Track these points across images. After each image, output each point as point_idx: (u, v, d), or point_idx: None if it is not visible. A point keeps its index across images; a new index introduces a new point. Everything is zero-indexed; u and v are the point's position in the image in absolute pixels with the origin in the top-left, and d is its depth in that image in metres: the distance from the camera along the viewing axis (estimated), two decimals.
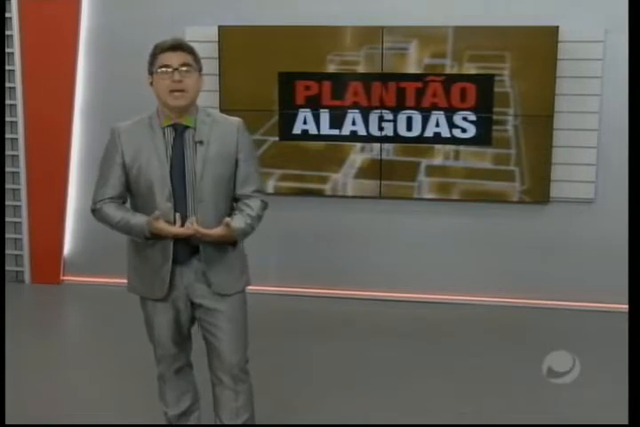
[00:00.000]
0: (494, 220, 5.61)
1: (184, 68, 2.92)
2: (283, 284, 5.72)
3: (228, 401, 3.14)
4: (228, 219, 2.94)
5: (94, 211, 3.07)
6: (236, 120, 3.11)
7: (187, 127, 3.00)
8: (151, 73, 2.98)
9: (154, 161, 2.97)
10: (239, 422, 3.16)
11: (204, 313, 3.08)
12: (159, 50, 2.94)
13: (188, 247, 2.99)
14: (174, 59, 2.92)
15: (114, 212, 3.02)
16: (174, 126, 3.00)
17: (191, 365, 3.28)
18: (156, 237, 2.94)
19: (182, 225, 2.91)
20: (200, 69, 3.01)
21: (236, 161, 3.05)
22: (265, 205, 3.13)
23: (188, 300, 3.08)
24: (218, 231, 2.93)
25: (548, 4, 5.30)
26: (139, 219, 2.96)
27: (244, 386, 3.16)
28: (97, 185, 3.09)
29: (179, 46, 2.94)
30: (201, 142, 2.98)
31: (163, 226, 2.90)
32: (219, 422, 3.19)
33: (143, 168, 2.98)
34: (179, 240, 2.96)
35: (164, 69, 2.92)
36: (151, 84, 3.00)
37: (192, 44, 3.02)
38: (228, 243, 3.02)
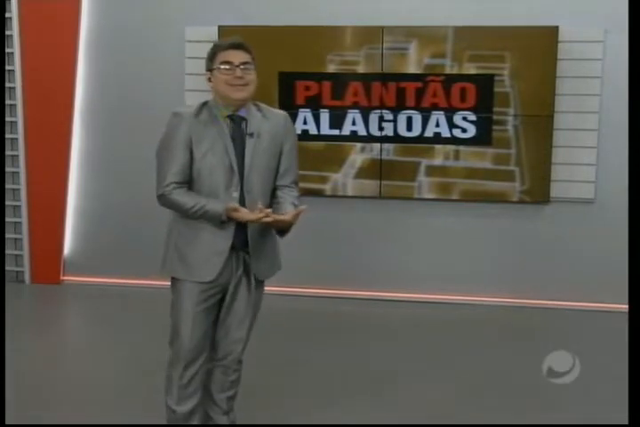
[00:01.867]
0: (494, 220, 5.61)
1: (245, 66, 3.04)
2: (283, 284, 5.70)
3: (220, 377, 3.26)
4: (302, 207, 3.06)
5: (161, 196, 3.09)
6: (282, 113, 3.24)
7: (243, 119, 3.10)
8: (210, 69, 3.09)
9: (220, 150, 3.06)
10: (229, 394, 3.30)
11: (230, 298, 3.16)
12: (220, 48, 3.08)
13: (242, 235, 3.09)
14: (236, 56, 3.05)
15: (185, 198, 3.06)
16: (231, 117, 3.10)
17: (205, 364, 3.27)
18: (230, 220, 3.05)
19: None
20: (256, 68, 3.11)
21: (281, 153, 3.17)
22: (299, 193, 3.25)
23: (225, 286, 3.15)
24: (291, 216, 3.02)
25: (548, 4, 5.30)
26: (214, 205, 3.03)
27: (236, 373, 3.30)
28: (162, 169, 3.09)
29: (239, 45, 3.07)
30: (251, 135, 3.09)
31: (240, 214, 3.00)
32: (207, 395, 3.28)
33: (208, 156, 3.05)
34: (238, 228, 3.07)
35: (225, 66, 3.03)
36: (209, 79, 3.11)
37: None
38: (284, 230, 3.12)
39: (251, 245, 3.12)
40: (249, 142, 3.08)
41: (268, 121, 3.14)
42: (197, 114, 3.08)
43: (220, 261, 3.09)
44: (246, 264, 3.15)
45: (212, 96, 3.14)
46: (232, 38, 3.13)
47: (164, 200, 3.10)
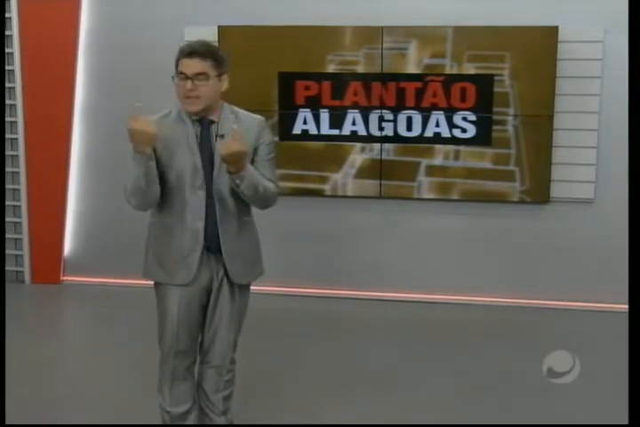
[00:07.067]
0: (494, 220, 5.61)
1: (198, 77, 2.98)
2: (283, 284, 5.72)
3: (214, 377, 3.25)
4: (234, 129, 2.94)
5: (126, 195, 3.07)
6: (258, 118, 3.18)
7: (212, 122, 3.09)
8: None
9: (185, 150, 3.05)
10: (224, 394, 3.27)
11: (214, 300, 3.16)
12: (180, 55, 3.02)
13: (216, 236, 3.07)
14: (190, 67, 2.98)
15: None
16: (200, 120, 3.08)
17: (195, 363, 3.28)
18: (146, 157, 2.93)
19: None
20: (221, 73, 3.03)
21: (253, 156, 3.12)
22: (275, 190, 3.13)
23: (208, 289, 3.15)
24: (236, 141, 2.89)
25: (548, 4, 5.30)
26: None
27: (230, 373, 3.29)
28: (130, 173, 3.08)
29: (195, 53, 2.99)
30: (222, 136, 3.05)
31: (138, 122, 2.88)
32: (203, 396, 3.27)
33: (174, 156, 3.05)
34: (208, 228, 3.06)
35: (181, 76, 3.01)
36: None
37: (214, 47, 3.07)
38: (236, 169, 2.95)
39: (223, 245, 3.10)
40: (218, 144, 3.04)
41: (240, 124, 3.07)
42: (164, 118, 3.09)
43: (193, 261, 3.09)
44: (227, 266, 3.13)
45: None
46: (192, 43, 3.03)
47: (126, 196, 3.04)
